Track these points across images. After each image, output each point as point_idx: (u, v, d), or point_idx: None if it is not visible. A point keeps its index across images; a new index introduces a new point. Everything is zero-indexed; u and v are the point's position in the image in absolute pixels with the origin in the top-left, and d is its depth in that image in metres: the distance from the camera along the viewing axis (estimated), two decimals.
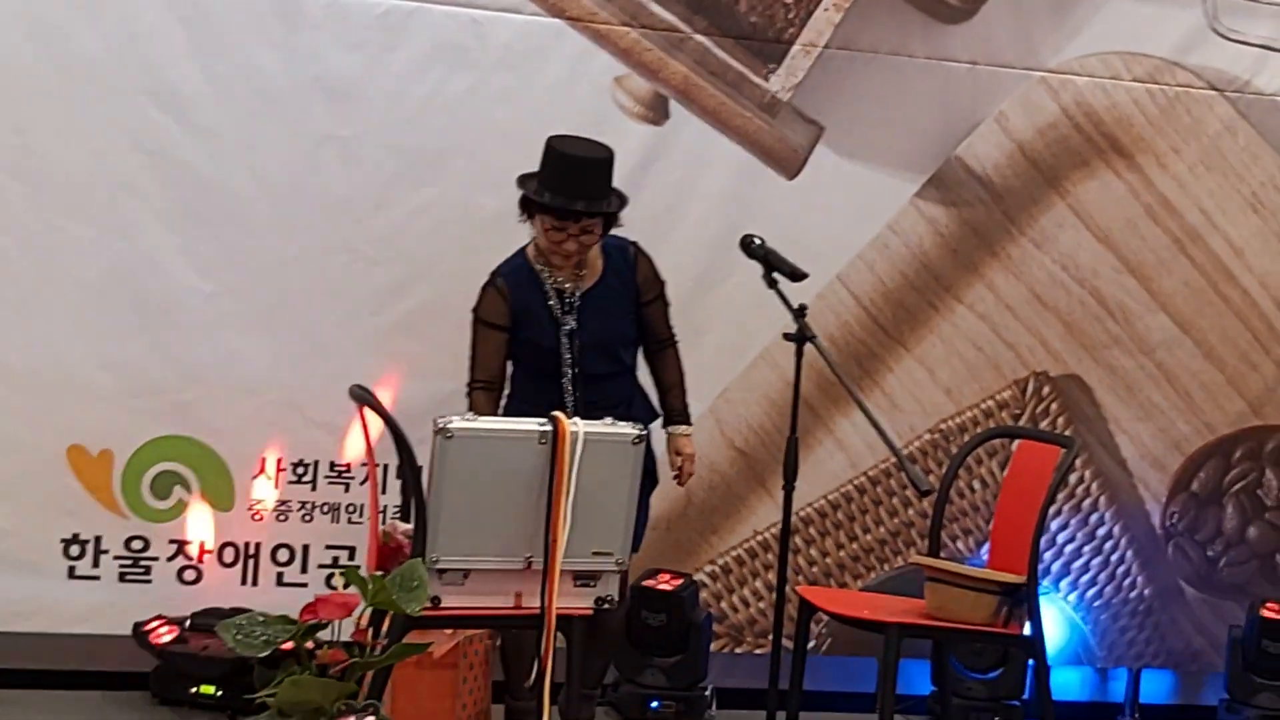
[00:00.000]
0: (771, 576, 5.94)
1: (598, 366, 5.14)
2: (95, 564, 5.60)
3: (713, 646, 6.00)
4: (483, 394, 5.09)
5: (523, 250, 5.18)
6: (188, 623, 5.47)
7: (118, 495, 5.60)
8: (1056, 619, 6.23)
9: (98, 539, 5.60)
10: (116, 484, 5.59)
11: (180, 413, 5.61)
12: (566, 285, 5.12)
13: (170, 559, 5.65)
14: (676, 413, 5.30)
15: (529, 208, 5.06)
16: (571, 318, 5.12)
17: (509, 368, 5.17)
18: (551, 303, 5.11)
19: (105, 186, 5.52)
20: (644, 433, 4.53)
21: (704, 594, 6.02)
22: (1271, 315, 6.39)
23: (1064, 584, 6.36)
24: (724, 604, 6.11)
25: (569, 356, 5.11)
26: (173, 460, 5.64)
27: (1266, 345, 6.41)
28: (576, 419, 4.47)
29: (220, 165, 5.58)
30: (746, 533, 6.10)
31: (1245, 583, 6.48)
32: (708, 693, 5.90)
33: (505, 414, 5.12)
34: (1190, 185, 6.30)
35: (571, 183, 4.97)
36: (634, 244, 5.22)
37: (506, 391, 5.17)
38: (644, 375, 5.34)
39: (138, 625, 5.47)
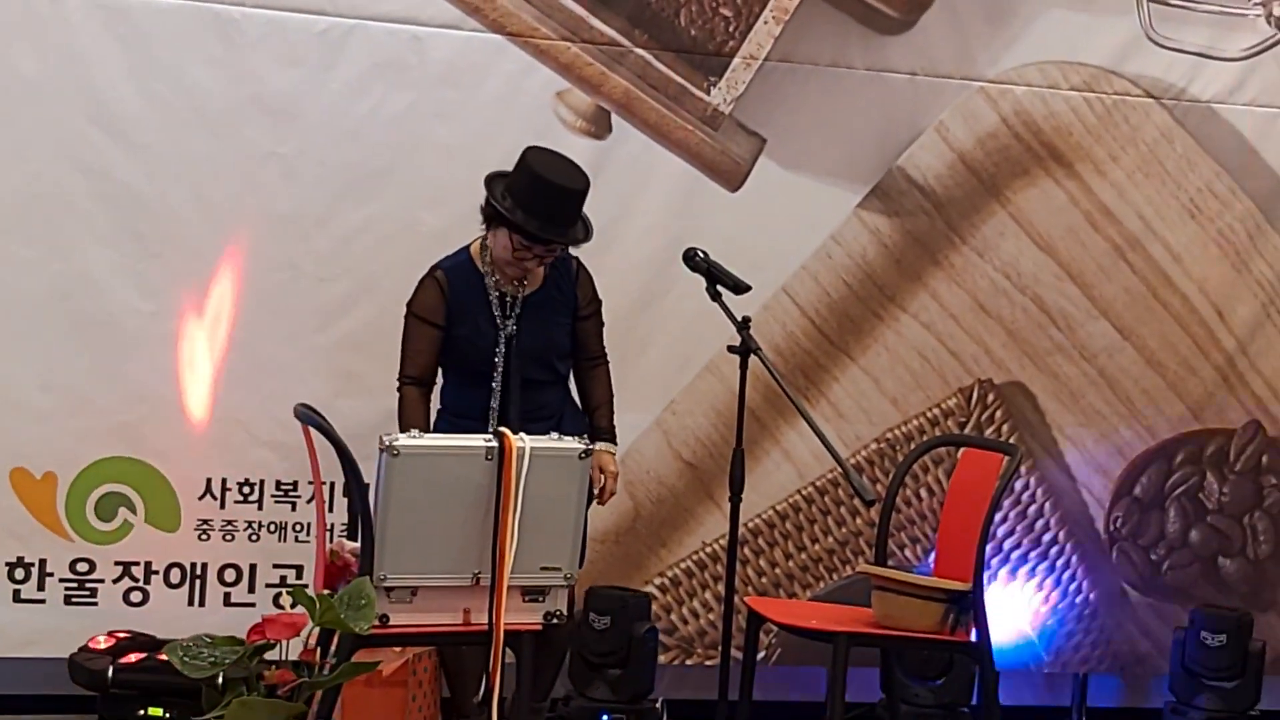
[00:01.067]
0: (720, 588, 5.95)
1: (533, 374, 5.13)
2: (40, 587, 5.55)
3: (663, 659, 6.00)
4: (414, 389, 5.08)
5: (466, 249, 5.16)
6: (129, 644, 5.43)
7: (62, 518, 5.56)
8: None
9: (42, 562, 5.56)
10: (61, 506, 5.55)
11: (124, 434, 5.58)
12: (507, 289, 5.12)
13: (116, 580, 5.61)
14: (603, 431, 5.27)
15: (500, 221, 5.02)
16: (511, 322, 5.11)
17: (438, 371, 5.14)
18: (493, 305, 5.10)
19: (44, 207, 5.48)
20: (590, 449, 4.53)
21: (654, 606, 6.02)
22: (1211, 321, 6.45)
23: (1011, 588, 6.40)
24: (674, 616, 6.12)
25: (501, 361, 5.09)
26: (117, 481, 5.60)
27: (1206, 350, 6.46)
28: (523, 435, 4.48)
29: (160, 184, 5.55)
30: (695, 545, 6.11)
31: (1188, 586, 6.53)
32: (658, 704, 5.90)
33: (437, 415, 5.11)
34: (1129, 192, 6.35)
35: (550, 208, 4.95)
36: (576, 259, 5.22)
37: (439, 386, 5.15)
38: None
39: (74, 654, 5.41)
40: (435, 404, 5.22)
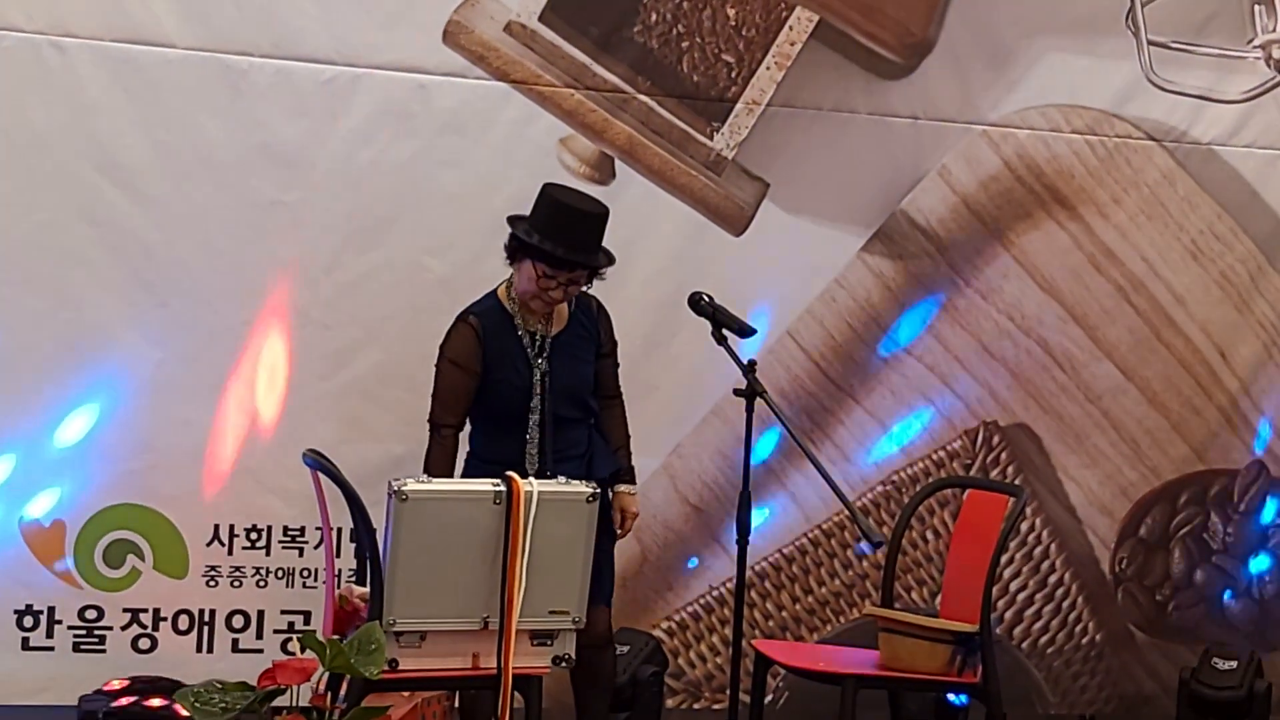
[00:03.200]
0: (728, 631, 5.95)
1: (566, 411, 5.12)
2: (49, 635, 5.56)
3: (671, 703, 6.00)
4: (452, 435, 5.03)
5: (494, 293, 5.16)
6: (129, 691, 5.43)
7: (71, 565, 5.57)
8: None
9: (51, 609, 5.56)
10: (69, 554, 5.56)
11: (132, 481, 5.59)
12: (537, 329, 5.13)
13: (125, 628, 5.62)
14: (624, 471, 5.29)
15: (525, 252, 5.04)
16: (543, 360, 5.12)
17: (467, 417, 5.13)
18: (525, 345, 5.10)
19: (53, 256, 5.50)
20: (597, 491, 4.55)
21: (663, 652, 6.01)
22: (1213, 361, 6.47)
23: (1016, 631, 6.39)
24: (681, 660, 6.12)
25: (538, 400, 5.09)
26: (125, 529, 5.61)
27: (1209, 391, 6.48)
28: (531, 479, 4.49)
29: (168, 233, 5.58)
30: (702, 588, 6.11)
31: (1194, 626, 6.53)
32: None
33: (468, 462, 5.09)
34: (1132, 234, 6.38)
35: (570, 233, 4.97)
36: (595, 298, 5.24)
37: (468, 432, 5.14)
38: None
39: (83, 699, 5.41)
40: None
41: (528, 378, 5.08)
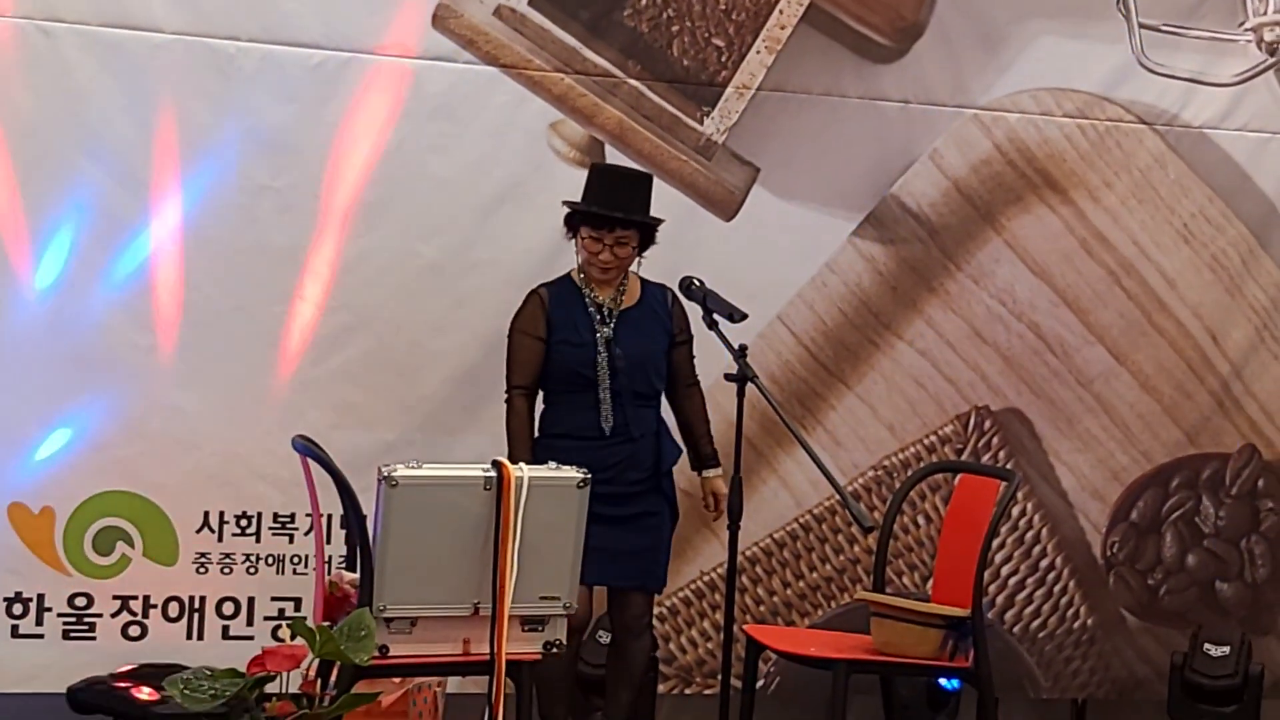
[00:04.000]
0: (719, 616, 5.95)
1: (636, 384, 5.19)
2: (39, 622, 5.55)
3: (662, 688, 6.00)
4: (522, 399, 5.17)
5: (567, 273, 5.29)
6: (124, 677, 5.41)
7: (60, 552, 5.56)
8: None
9: (40, 597, 5.55)
10: (58, 541, 5.55)
11: (121, 468, 5.58)
12: (605, 300, 5.22)
13: (114, 615, 5.61)
14: (709, 457, 5.37)
15: (572, 220, 5.20)
16: (608, 328, 5.19)
17: (539, 392, 5.23)
18: (591, 314, 5.19)
19: (41, 242, 5.48)
20: (588, 477, 4.55)
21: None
22: (1205, 345, 6.47)
23: (1008, 615, 6.40)
24: (673, 645, 6.11)
25: (607, 369, 5.15)
26: (115, 516, 5.60)
27: (1201, 375, 6.48)
28: (521, 465, 4.49)
29: (157, 219, 5.56)
30: (693, 573, 6.11)
31: (1186, 610, 6.54)
32: None
33: (536, 443, 5.17)
34: (1123, 218, 6.38)
35: (609, 194, 5.15)
36: (670, 290, 5.32)
37: (540, 412, 5.25)
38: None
39: (72, 689, 5.40)
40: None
41: (591, 342, 5.17)
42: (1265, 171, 6.47)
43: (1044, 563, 6.42)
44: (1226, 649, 6.27)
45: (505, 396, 5.18)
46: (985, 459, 6.29)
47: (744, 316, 5.20)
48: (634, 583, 5.15)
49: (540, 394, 5.24)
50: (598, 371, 5.15)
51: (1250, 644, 6.34)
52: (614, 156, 5.90)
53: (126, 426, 5.57)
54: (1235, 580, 6.59)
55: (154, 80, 5.53)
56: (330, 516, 5.40)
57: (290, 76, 5.64)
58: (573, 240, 5.23)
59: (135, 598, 5.63)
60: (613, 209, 5.13)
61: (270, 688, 4.04)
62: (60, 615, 5.57)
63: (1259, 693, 6.34)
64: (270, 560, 5.73)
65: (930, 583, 5.76)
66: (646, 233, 5.23)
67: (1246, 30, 6.42)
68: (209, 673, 4.01)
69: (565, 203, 5.23)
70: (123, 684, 5.27)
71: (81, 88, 5.48)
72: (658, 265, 5.86)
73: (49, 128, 5.47)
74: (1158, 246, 6.41)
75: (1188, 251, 6.44)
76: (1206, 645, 6.29)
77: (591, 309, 5.20)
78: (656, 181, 5.89)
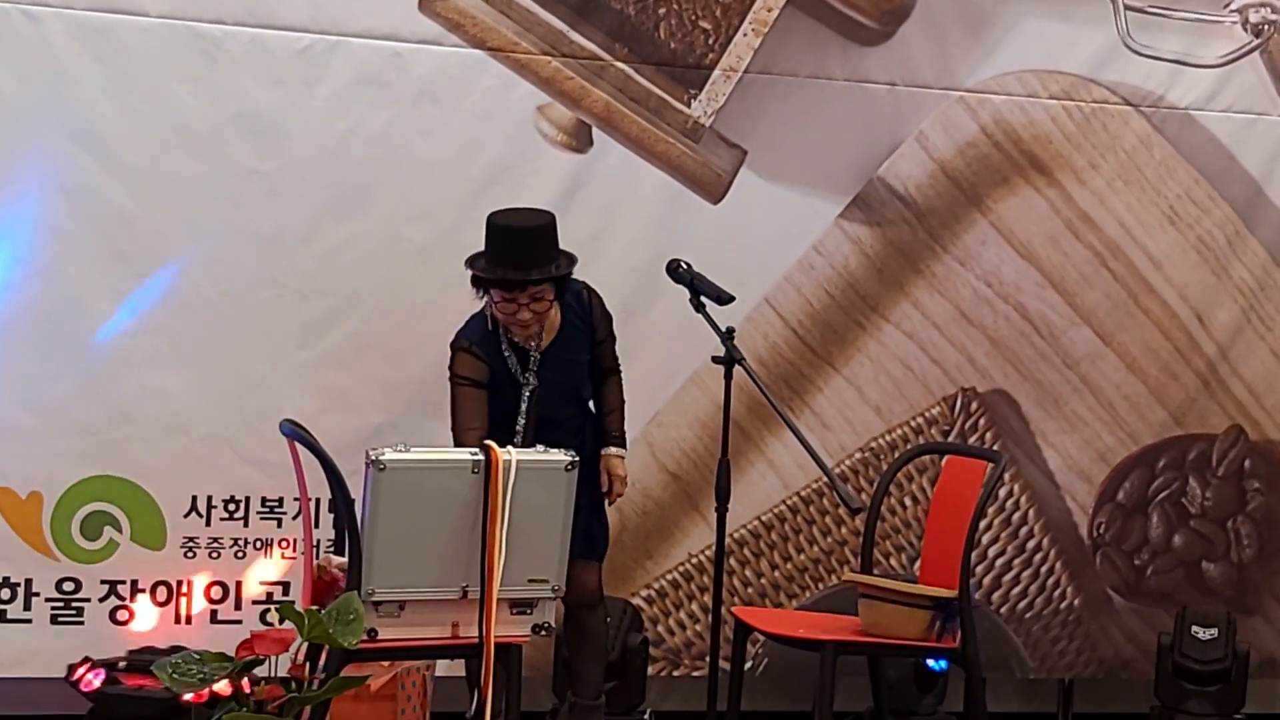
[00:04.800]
0: (707, 599, 5.97)
1: (559, 411, 5.17)
2: (26, 607, 5.54)
3: (650, 670, 6.01)
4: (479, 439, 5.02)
5: (481, 314, 5.15)
6: (123, 663, 5.42)
7: (48, 537, 5.55)
8: None
9: (28, 581, 5.55)
10: (46, 526, 5.55)
11: (109, 453, 5.58)
12: (529, 345, 5.13)
13: (102, 600, 5.61)
14: (612, 435, 5.33)
15: (479, 284, 5.05)
16: (533, 375, 5.13)
17: None
18: (511, 365, 5.12)
19: (27, 227, 5.48)
20: (576, 460, 4.55)
21: (642, 618, 6.04)
22: (1191, 326, 6.48)
23: (995, 596, 6.41)
24: (661, 627, 6.13)
25: (525, 408, 5.11)
26: (102, 500, 5.60)
27: (1187, 356, 6.49)
28: (509, 448, 4.49)
29: (144, 204, 5.55)
30: (681, 556, 6.12)
31: (1172, 590, 6.56)
32: (646, 716, 5.91)
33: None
34: (1109, 200, 6.38)
35: (514, 253, 4.97)
36: (585, 285, 5.24)
37: None
38: None
39: (71, 668, 5.42)
40: None
41: (514, 396, 5.10)
42: (1250, 152, 6.47)
43: (1031, 544, 6.44)
44: (1214, 631, 6.30)
45: (454, 438, 5.02)
46: (972, 440, 6.30)
47: (731, 299, 5.20)
48: (581, 552, 5.07)
49: None
50: (517, 418, 5.10)
51: (1235, 624, 6.37)
52: (601, 139, 5.90)
53: (114, 411, 5.57)
54: (1221, 561, 6.61)
55: (140, 64, 5.52)
56: (318, 500, 5.42)
57: (277, 60, 5.63)
58: (482, 297, 5.07)
59: (123, 582, 5.63)
60: (521, 268, 4.95)
61: (259, 671, 4.05)
62: (48, 600, 5.57)
63: (1245, 673, 6.37)
64: (258, 544, 5.73)
65: (918, 564, 5.78)
66: (561, 278, 5.08)
67: (1232, 11, 6.43)
68: (197, 656, 4.02)
69: (469, 266, 5.05)
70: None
71: (67, 72, 5.46)
72: (645, 248, 5.88)
73: (34, 112, 5.45)
74: (1144, 228, 6.42)
75: (1174, 233, 6.45)
76: (1194, 628, 6.31)
77: (511, 360, 5.11)
78: (643, 164, 5.94)
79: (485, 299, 5.08)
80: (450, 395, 5.09)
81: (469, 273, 5.04)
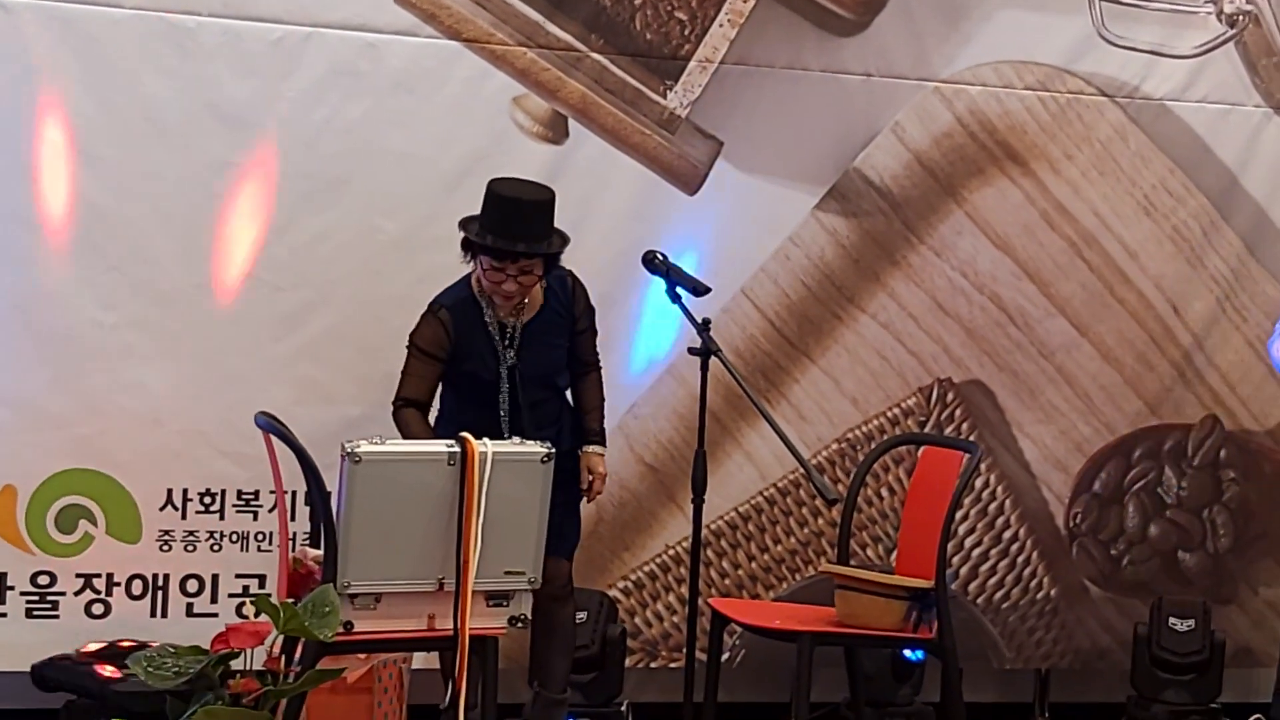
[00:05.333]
0: (684, 590, 5.96)
1: (535, 395, 5.15)
2: (1, 601, 5.52)
3: (628, 661, 6.01)
4: (412, 411, 5.05)
5: (466, 280, 5.15)
6: (98, 657, 5.40)
7: (22, 531, 5.53)
8: None
9: (3, 575, 5.53)
10: (21, 520, 5.53)
11: (84, 446, 5.56)
12: (509, 319, 5.12)
13: (78, 593, 5.59)
14: (593, 433, 5.31)
15: (470, 249, 5.04)
16: (512, 351, 5.12)
17: (439, 387, 5.15)
18: (494, 337, 5.11)
19: (1, 220, 5.45)
20: (552, 452, 4.55)
21: (619, 610, 6.04)
22: (1166, 316, 6.49)
23: (972, 587, 6.42)
24: (638, 619, 6.13)
25: (507, 387, 5.11)
26: (78, 494, 5.58)
27: (1162, 346, 6.50)
28: (485, 440, 4.49)
29: (118, 196, 5.54)
30: (658, 547, 6.12)
31: (1148, 580, 6.57)
32: (623, 708, 5.92)
33: (437, 423, 5.12)
34: (1084, 190, 6.39)
35: (510, 224, 4.95)
36: (570, 273, 5.23)
37: (435, 411, 5.17)
38: None
39: (44, 662, 5.40)
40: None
41: (495, 369, 5.10)
42: (1225, 143, 6.49)
43: (1007, 534, 6.45)
44: (1192, 622, 6.32)
45: (394, 405, 5.07)
46: (948, 431, 6.30)
47: (707, 290, 5.20)
48: (552, 549, 5.08)
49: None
50: (499, 392, 5.11)
51: (1211, 613, 6.40)
52: (577, 131, 5.89)
53: (89, 404, 5.55)
54: (1197, 550, 6.63)
55: (113, 56, 5.50)
56: (294, 493, 5.39)
57: (250, 51, 5.61)
58: (470, 262, 5.08)
59: (99, 576, 5.61)
60: (515, 239, 4.94)
61: (235, 664, 4.04)
62: (23, 594, 5.55)
63: (1221, 662, 6.39)
64: (234, 537, 5.72)
65: (894, 555, 5.78)
66: (552, 256, 5.09)
67: (1207, 2, 6.44)
68: (173, 649, 4.01)
69: (463, 229, 5.06)
70: (87, 662, 5.26)
71: (40, 64, 5.44)
72: (621, 239, 5.87)
73: (6, 104, 5.43)
74: (1119, 218, 6.43)
75: (1149, 223, 6.46)
76: (1171, 620, 6.33)
77: (493, 330, 5.10)
78: (620, 155, 5.93)
79: (473, 265, 5.08)
80: (405, 360, 5.10)
81: (453, 252, 5.05)
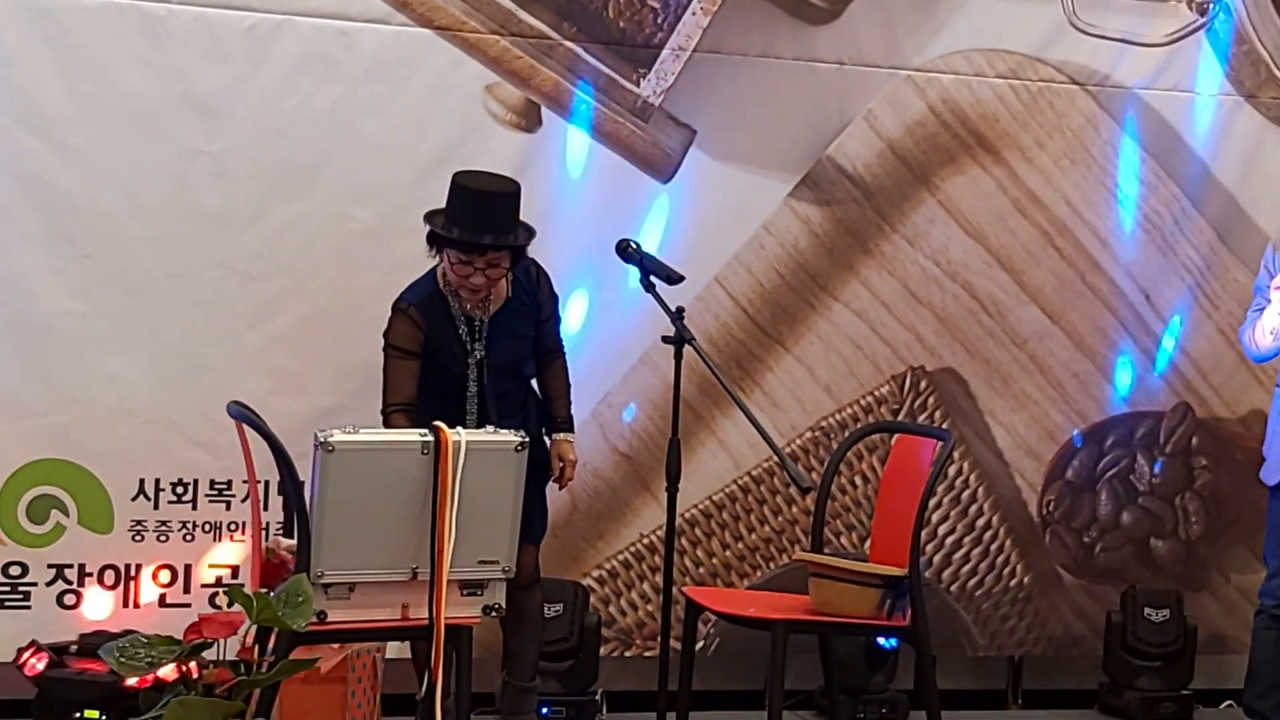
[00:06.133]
0: (659, 579, 5.97)
1: (502, 385, 5.17)
2: None
3: (602, 651, 6.01)
4: (402, 415, 5.04)
5: (432, 275, 5.16)
6: (74, 647, 5.39)
7: None
8: None
9: None
10: None
11: (56, 435, 5.54)
12: (475, 312, 5.13)
13: (49, 584, 5.57)
14: (561, 420, 5.34)
15: (436, 242, 5.05)
16: (480, 345, 5.14)
17: None
18: (461, 331, 5.12)
19: None
20: (526, 440, 4.54)
21: (593, 599, 6.04)
22: (1138, 304, 6.51)
23: (945, 574, 6.44)
24: (612, 608, 6.13)
25: (474, 380, 5.12)
26: (49, 484, 5.56)
27: (1134, 333, 6.53)
28: (459, 428, 4.48)
29: (89, 185, 5.51)
30: (633, 536, 6.13)
31: (1121, 567, 6.60)
32: (598, 697, 5.92)
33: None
34: (1056, 178, 6.41)
35: (477, 217, 4.96)
36: (534, 262, 5.24)
37: None
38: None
39: (18, 652, 5.38)
40: None
41: (463, 362, 5.12)
42: (1196, 131, 6.51)
43: (980, 522, 6.46)
44: (1166, 612, 6.35)
45: (383, 416, 5.07)
46: (921, 419, 6.32)
47: (681, 279, 5.20)
48: (528, 539, 5.08)
49: None
50: (467, 384, 5.13)
51: (1183, 599, 6.43)
52: (550, 119, 5.88)
53: (60, 394, 5.53)
54: (1170, 537, 6.66)
55: (85, 44, 5.48)
56: (267, 483, 5.39)
57: (222, 39, 5.59)
58: (436, 257, 5.09)
59: (70, 566, 5.59)
60: (482, 231, 4.96)
61: (208, 655, 4.03)
62: None
63: (1193, 648, 6.42)
64: (207, 527, 5.70)
65: (868, 543, 5.79)
66: (519, 249, 5.10)
67: None
68: (145, 640, 4.00)
69: (428, 223, 5.07)
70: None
71: (11, 52, 5.42)
72: (594, 228, 5.87)
73: None
74: (1090, 206, 6.45)
75: (1120, 211, 6.48)
76: (1146, 610, 6.35)
77: (460, 324, 5.12)
78: (591, 145, 5.93)
79: (439, 259, 5.08)
80: (383, 363, 5.10)
81: (422, 242, 5.05)
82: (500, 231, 4.98)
